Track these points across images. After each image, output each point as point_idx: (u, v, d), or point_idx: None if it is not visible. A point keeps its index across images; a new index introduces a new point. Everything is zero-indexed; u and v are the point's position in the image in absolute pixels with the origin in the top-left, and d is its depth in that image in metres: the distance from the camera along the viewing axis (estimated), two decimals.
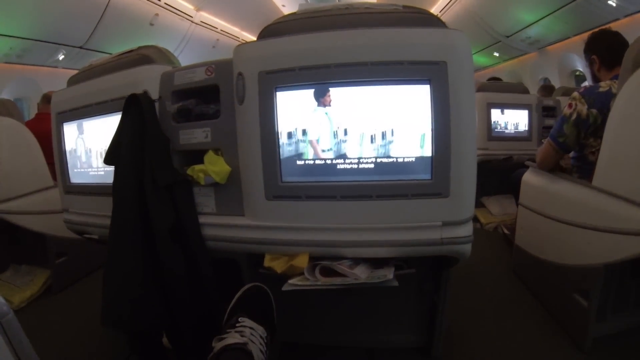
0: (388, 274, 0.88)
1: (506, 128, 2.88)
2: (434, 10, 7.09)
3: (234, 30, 7.80)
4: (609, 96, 1.39)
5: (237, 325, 0.85)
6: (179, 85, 1.04)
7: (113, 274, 0.96)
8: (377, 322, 1.27)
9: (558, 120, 1.56)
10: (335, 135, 0.90)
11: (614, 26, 3.86)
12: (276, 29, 0.95)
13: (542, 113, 2.91)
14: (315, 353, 1.28)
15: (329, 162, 0.90)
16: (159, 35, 5.52)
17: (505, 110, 2.87)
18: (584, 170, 1.52)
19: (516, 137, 2.88)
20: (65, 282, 1.94)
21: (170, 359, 1.12)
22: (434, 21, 0.90)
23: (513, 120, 2.88)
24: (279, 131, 0.91)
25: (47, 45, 3.92)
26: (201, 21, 6.48)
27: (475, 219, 2.83)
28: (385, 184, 0.87)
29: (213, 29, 7.00)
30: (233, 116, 0.96)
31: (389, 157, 0.88)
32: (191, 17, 6.11)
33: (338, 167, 0.90)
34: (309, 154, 0.91)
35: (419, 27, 0.87)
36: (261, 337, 0.86)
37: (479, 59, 7.27)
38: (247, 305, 0.94)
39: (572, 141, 1.51)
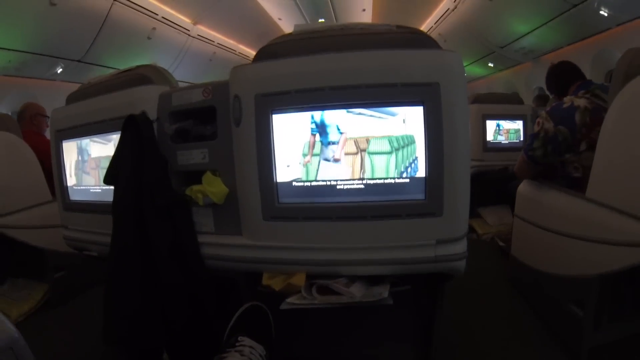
0: (383, 292, 0.89)
1: (501, 139, 2.92)
2: (429, 22, 7.18)
3: (231, 43, 7.86)
4: (572, 110, 1.51)
5: (237, 344, 0.87)
6: (176, 106, 1.06)
7: (113, 292, 0.97)
8: (374, 335, 1.27)
9: (530, 136, 1.67)
10: (330, 156, 0.91)
11: (607, 35, 3.95)
12: (272, 50, 0.97)
13: None
14: None
15: (324, 183, 0.91)
16: (157, 49, 5.56)
17: (500, 121, 2.91)
18: (574, 186, 1.54)
19: (511, 148, 2.91)
20: (63, 296, 1.93)
21: None
22: (427, 41, 0.91)
23: (507, 130, 2.92)
24: (275, 153, 0.92)
25: (46, 59, 3.94)
26: (198, 35, 6.52)
27: (471, 229, 2.85)
28: (379, 205, 0.89)
29: (210, 42, 7.05)
30: (230, 137, 0.98)
31: (383, 178, 0.89)
32: (188, 30, 6.16)
33: (333, 188, 0.91)
34: (305, 176, 0.92)
35: (412, 49, 0.88)
36: (260, 355, 0.88)
37: (474, 69, 7.34)
38: (246, 324, 0.95)
39: (540, 155, 1.62)
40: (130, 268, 0.96)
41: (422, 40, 0.92)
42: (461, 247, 0.89)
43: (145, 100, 1.09)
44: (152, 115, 1.07)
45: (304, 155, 0.92)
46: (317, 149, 0.92)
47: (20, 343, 0.43)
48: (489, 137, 2.89)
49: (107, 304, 0.98)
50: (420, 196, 0.87)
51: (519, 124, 2.93)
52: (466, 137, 0.88)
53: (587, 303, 1.23)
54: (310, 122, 0.91)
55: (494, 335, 1.45)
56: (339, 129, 0.90)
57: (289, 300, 0.92)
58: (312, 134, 0.91)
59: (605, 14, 3.64)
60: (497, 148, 2.89)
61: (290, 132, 0.92)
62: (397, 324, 1.23)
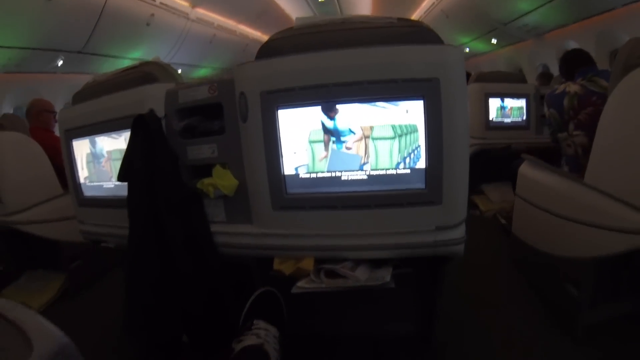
0: (386, 275, 0.95)
1: (504, 117, 2.92)
2: None
3: (230, 24, 7.77)
4: (562, 96, 1.71)
5: (253, 327, 0.94)
6: (183, 103, 1.10)
7: (133, 284, 1.04)
8: (378, 312, 1.33)
9: None
10: (335, 149, 0.95)
11: (612, 15, 3.86)
12: (275, 46, 1.00)
13: (541, 102, 2.94)
14: (319, 344, 1.34)
15: (330, 175, 0.96)
16: (156, 35, 5.52)
17: (503, 100, 2.90)
18: (570, 163, 1.72)
19: (514, 126, 2.91)
20: (81, 285, 2.01)
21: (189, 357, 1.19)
22: (428, 35, 0.93)
23: (510, 109, 2.92)
24: (282, 147, 0.96)
25: (45, 53, 3.93)
26: (197, 17, 6.46)
27: (474, 206, 2.90)
28: (382, 194, 0.93)
29: (209, 24, 6.98)
30: (237, 132, 1.01)
31: (385, 169, 0.93)
32: (187, 14, 6.10)
33: (339, 179, 0.96)
34: (311, 167, 0.97)
35: (412, 44, 0.90)
36: (274, 336, 0.95)
37: (477, 45, 7.23)
38: (260, 308, 1.02)
39: (550, 134, 1.91)
40: (147, 261, 1.02)
41: (423, 34, 0.93)
42: (459, 232, 0.94)
43: (152, 98, 1.11)
44: (160, 112, 1.10)
45: (311, 142, 0.95)
46: (322, 142, 0.96)
47: (71, 347, 0.46)
48: (492, 115, 2.89)
49: (127, 296, 1.05)
50: (420, 186, 0.92)
51: (522, 102, 2.92)
52: (465, 129, 0.91)
53: (583, 284, 1.28)
54: (319, 119, 0.94)
55: (494, 311, 1.51)
56: (351, 130, 0.94)
57: (299, 284, 0.98)
58: (325, 134, 0.95)
59: None
60: (500, 126, 2.89)
61: (296, 125, 0.96)
62: (401, 303, 1.30)
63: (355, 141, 0.94)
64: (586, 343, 1.29)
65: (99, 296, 1.95)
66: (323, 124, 0.94)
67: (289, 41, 0.99)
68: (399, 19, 0.98)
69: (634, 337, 1.29)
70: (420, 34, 0.94)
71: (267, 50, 0.99)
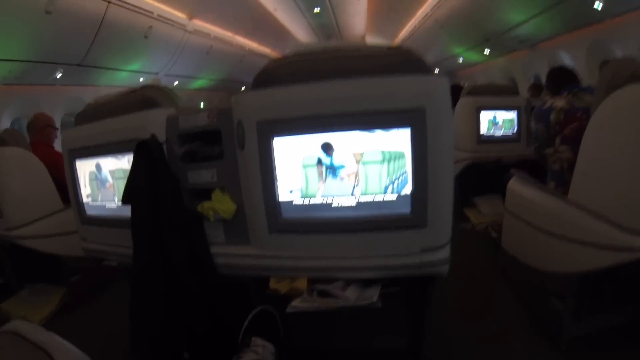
0: (374, 295, 1.00)
1: (495, 130, 2.98)
2: (425, 8, 7.14)
3: (227, 35, 7.85)
4: (549, 110, 1.78)
5: (251, 344, 0.99)
6: (183, 129, 1.15)
7: (138, 304, 1.09)
8: (369, 328, 1.37)
9: None
10: (327, 177, 1.01)
11: (603, 26, 3.96)
12: (271, 74, 1.05)
13: (532, 114, 3.00)
14: (313, 359, 1.38)
15: (322, 201, 1.02)
16: (154, 47, 5.56)
17: (494, 113, 2.96)
18: (555, 179, 1.76)
19: (505, 139, 2.97)
20: (81, 298, 2.04)
21: None
22: (416, 63, 0.98)
23: (502, 122, 2.98)
24: (277, 175, 1.01)
25: (45, 66, 3.96)
26: (195, 29, 6.53)
27: (467, 219, 2.95)
28: (370, 219, 0.99)
29: (206, 36, 7.06)
30: (235, 158, 1.07)
31: (374, 193, 0.99)
32: (184, 26, 6.16)
33: (330, 205, 1.01)
34: (305, 191, 1.02)
35: (401, 74, 0.95)
36: (271, 353, 1.01)
37: (470, 56, 7.34)
38: (258, 326, 1.08)
39: (535, 149, 1.97)
40: (152, 281, 1.07)
41: (411, 63, 0.99)
42: (444, 253, 1.00)
43: (153, 123, 1.16)
44: (161, 136, 1.15)
45: (305, 166, 1.01)
46: (315, 169, 1.01)
47: None
48: (483, 129, 2.95)
49: (133, 314, 1.09)
50: (406, 210, 0.97)
51: (513, 114, 2.98)
52: (450, 155, 0.97)
53: (568, 298, 1.33)
54: (317, 155, 1.00)
55: (483, 324, 1.56)
56: (343, 165, 1.00)
57: (293, 303, 1.03)
58: (318, 164, 1.00)
59: (598, 10, 3.66)
60: (491, 140, 2.96)
61: (291, 151, 1.01)
62: (391, 319, 1.34)
63: (349, 173, 1.00)
64: (570, 356, 1.33)
65: (97, 310, 1.98)
66: (320, 160, 1.00)
67: (285, 69, 1.05)
68: (389, 48, 1.04)
69: (618, 349, 1.34)
70: (409, 63, 0.99)
71: (263, 79, 1.05)
